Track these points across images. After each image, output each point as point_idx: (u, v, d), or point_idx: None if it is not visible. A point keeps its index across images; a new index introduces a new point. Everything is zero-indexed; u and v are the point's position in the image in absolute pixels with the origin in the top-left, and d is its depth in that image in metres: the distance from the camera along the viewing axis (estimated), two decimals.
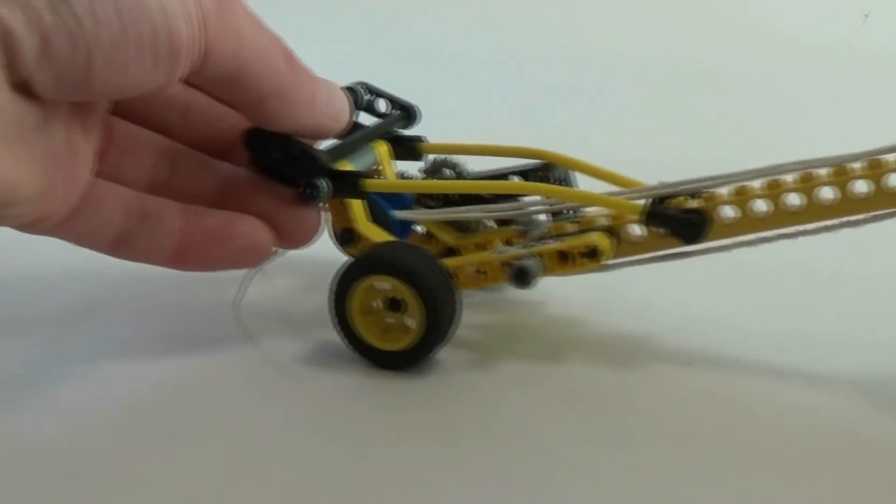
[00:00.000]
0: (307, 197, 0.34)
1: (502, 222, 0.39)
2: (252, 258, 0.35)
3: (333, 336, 0.35)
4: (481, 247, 0.39)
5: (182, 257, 0.33)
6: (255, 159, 0.34)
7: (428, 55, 0.80)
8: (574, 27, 0.84)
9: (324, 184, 0.34)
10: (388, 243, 0.35)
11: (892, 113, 0.67)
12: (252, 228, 0.34)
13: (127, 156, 0.34)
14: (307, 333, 0.37)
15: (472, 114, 0.71)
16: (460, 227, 0.40)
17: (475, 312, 0.39)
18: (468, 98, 0.75)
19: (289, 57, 0.32)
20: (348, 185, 0.35)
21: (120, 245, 0.33)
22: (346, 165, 0.36)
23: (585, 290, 0.39)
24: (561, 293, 0.40)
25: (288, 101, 0.32)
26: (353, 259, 0.35)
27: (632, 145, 0.64)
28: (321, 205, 0.35)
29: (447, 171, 0.40)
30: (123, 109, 0.34)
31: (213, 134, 0.35)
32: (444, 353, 0.35)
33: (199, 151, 0.35)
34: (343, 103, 0.34)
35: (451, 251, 0.39)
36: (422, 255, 0.34)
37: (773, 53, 0.79)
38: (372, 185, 0.35)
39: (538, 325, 0.39)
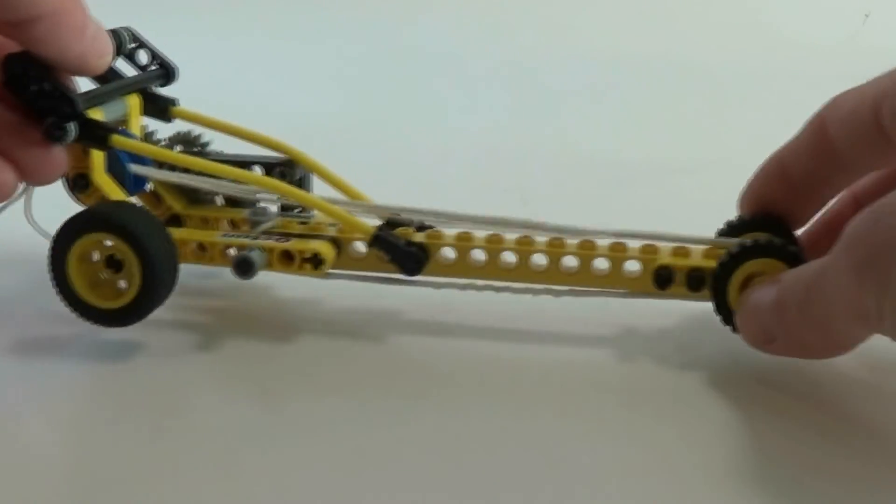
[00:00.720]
0: (52, 137, 0.33)
1: (232, 202, 0.40)
2: None
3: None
4: (206, 221, 0.40)
5: None
6: (11, 85, 0.33)
7: (428, 54, 0.80)
8: (574, 27, 0.84)
9: (72, 128, 0.33)
10: (124, 204, 0.35)
11: None
12: None
13: None
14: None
15: (470, 113, 0.71)
16: (191, 196, 0.40)
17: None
18: (467, 98, 0.75)
19: None
20: (97, 136, 0.35)
21: None
22: (97, 113, 0.35)
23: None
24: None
25: (59, 25, 0.31)
26: (88, 209, 0.35)
27: (631, 145, 0.64)
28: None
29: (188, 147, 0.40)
30: None
31: None
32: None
33: None
34: (107, 41, 0.34)
35: (177, 218, 0.40)
36: (155, 224, 0.34)
37: (774, 53, 0.79)
38: (119, 142, 0.35)
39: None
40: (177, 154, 0.38)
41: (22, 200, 0.36)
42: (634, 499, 0.28)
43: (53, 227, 0.35)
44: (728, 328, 0.35)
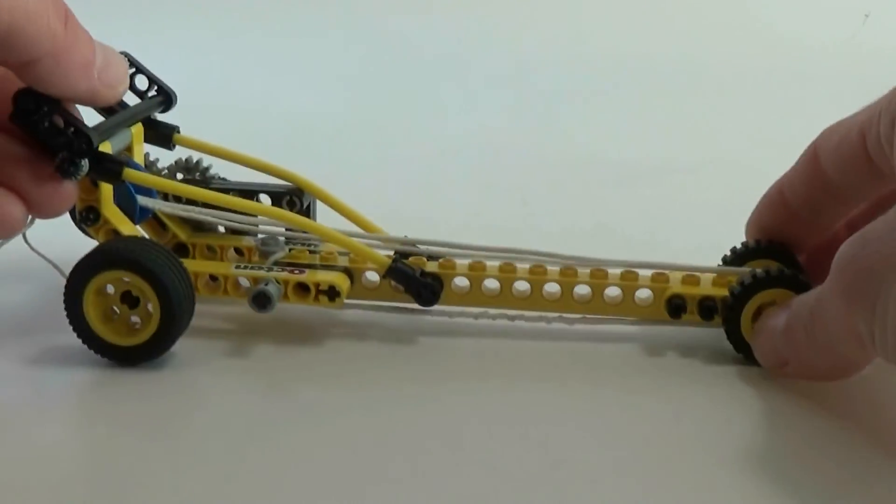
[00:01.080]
0: (65, 173, 0.32)
1: (234, 230, 0.39)
2: (2, 232, 0.33)
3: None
4: (212, 249, 0.39)
5: None
6: (21, 120, 0.32)
7: (428, 54, 0.80)
8: (574, 27, 0.84)
9: (85, 163, 0.33)
10: (141, 241, 0.35)
11: None
12: (1, 202, 0.32)
13: None
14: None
15: (470, 113, 0.71)
16: (195, 224, 0.40)
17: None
18: (467, 98, 0.75)
19: (65, 17, 0.30)
20: (109, 170, 0.34)
21: None
22: (106, 146, 0.35)
23: None
24: None
25: (61, 64, 0.30)
26: (101, 247, 0.34)
27: (631, 145, 0.64)
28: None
29: (192, 174, 0.40)
30: None
31: None
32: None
33: None
34: (121, 71, 0.33)
35: (183, 247, 0.39)
36: (173, 262, 0.34)
37: (774, 53, 0.79)
38: (131, 175, 0.35)
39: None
40: (189, 187, 0.37)
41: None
42: (636, 492, 0.28)
43: (49, 247, 0.35)
44: (741, 356, 0.35)
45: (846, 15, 0.81)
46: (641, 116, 0.71)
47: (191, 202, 0.37)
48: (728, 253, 0.38)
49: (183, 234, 0.40)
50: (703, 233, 0.48)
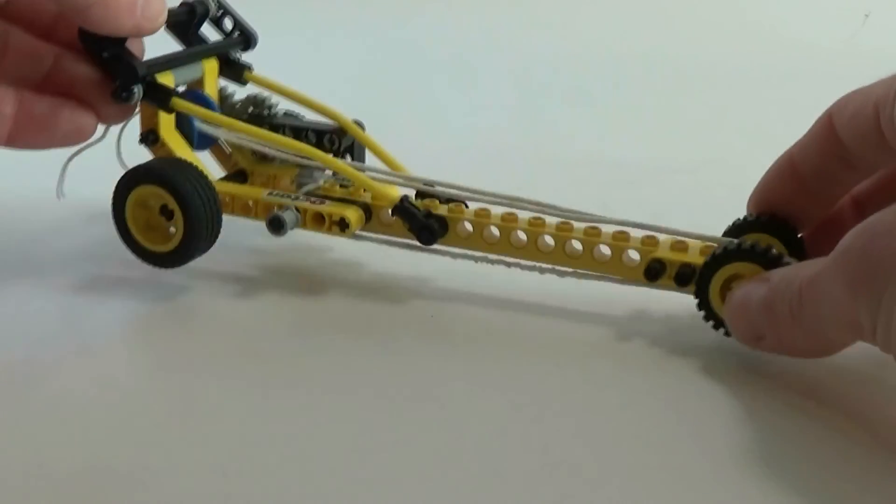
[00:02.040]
0: (119, 98, 0.38)
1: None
2: (76, 140, 0.39)
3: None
4: (272, 177, 0.44)
5: (15, 140, 0.37)
6: (88, 51, 0.38)
7: (429, 54, 0.80)
8: (574, 27, 0.84)
9: (136, 90, 0.38)
10: (175, 161, 0.39)
11: None
12: (75, 114, 0.38)
13: None
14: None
15: (470, 113, 0.71)
16: (259, 155, 0.44)
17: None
18: (467, 97, 0.75)
19: None
20: (159, 98, 0.39)
21: None
22: (168, 76, 0.40)
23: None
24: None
25: (110, 8, 0.35)
26: (142, 164, 0.39)
27: (631, 145, 0.64)
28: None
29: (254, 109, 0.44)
30: None
31: (37, 14, 0.39)
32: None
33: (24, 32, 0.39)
34: (160, 6, 0.37)
35: (242, 172, 0.44)
36: (198, 180, 0.38)
37: (773, 53, 0.79)
38: (180, 104, 0.40)
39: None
40: (232, 120, 0.41)
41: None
42: (635, 490, 0.28)
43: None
44: (711, 324, 0.36)
45: (846, 15, 0.82)
46: (641, 116, 0.71)
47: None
48: (730, 225, 0.38)
49: (244, 162, 0.44)
50: (702, 233, 0.48)
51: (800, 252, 0.37)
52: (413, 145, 0.65)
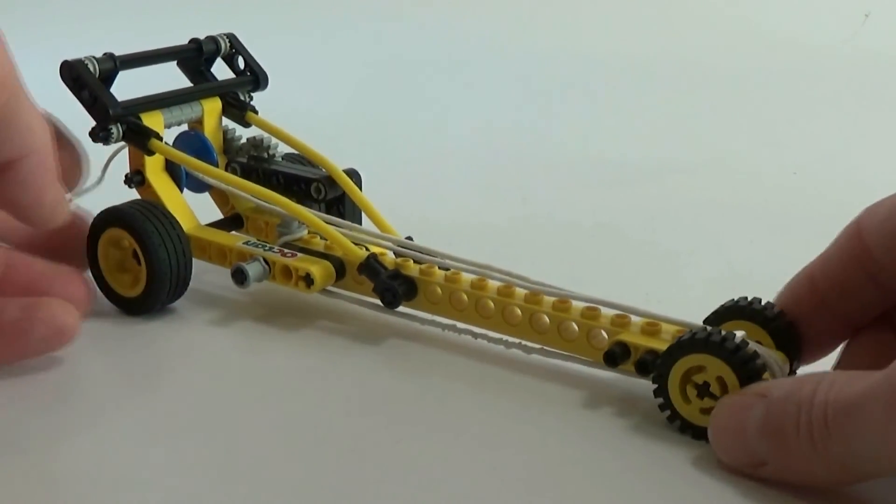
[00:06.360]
0: (97, 138, 0.38)
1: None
2: (58, 343, 0.33)
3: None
4: (266, 224, 0.42)
5: None
6: (71, 89, 0.38)
7: (429, 54, 0.80)
8: (574, 27, 0.84)
9: (115, 131, 0.38)
10: (147, 206, 0.38)
11: (892, 113, 0.67)
12: (54, 311, 0.32)
13: None
14: None
15: (470, 113, 0.71)
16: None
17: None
18: (468, 97, 0.75)
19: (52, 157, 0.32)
20: (138, 140, 0.39)
21: None
22: (156, 116, 0.39)
23: None
24: None
25: (39, 205, 0.32)
26: (113, 207, 0.38)
27: (631, 145, 0.65)
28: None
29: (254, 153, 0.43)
30: None
31: None
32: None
33: None
34: (62, 213, 0.34)
35: (238, 217, 0.43)
36: (168, 229, 0.37)
37: (774, 53, 0.79)
38: (157, 147, 0.39)
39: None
40: (211, 168, 0.40)
41: None
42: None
43: None
44: (667, 415, 0.31)
45: (846, 15, 0.81)
46: (641, 116, 0.71)
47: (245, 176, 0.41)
48: (720, 308, 0.33)
49: (241, 206, 0.43)
50: (702, 233, 0.48)
51: (787, 346, 0.32)
52: (412, 145, 0.65)
